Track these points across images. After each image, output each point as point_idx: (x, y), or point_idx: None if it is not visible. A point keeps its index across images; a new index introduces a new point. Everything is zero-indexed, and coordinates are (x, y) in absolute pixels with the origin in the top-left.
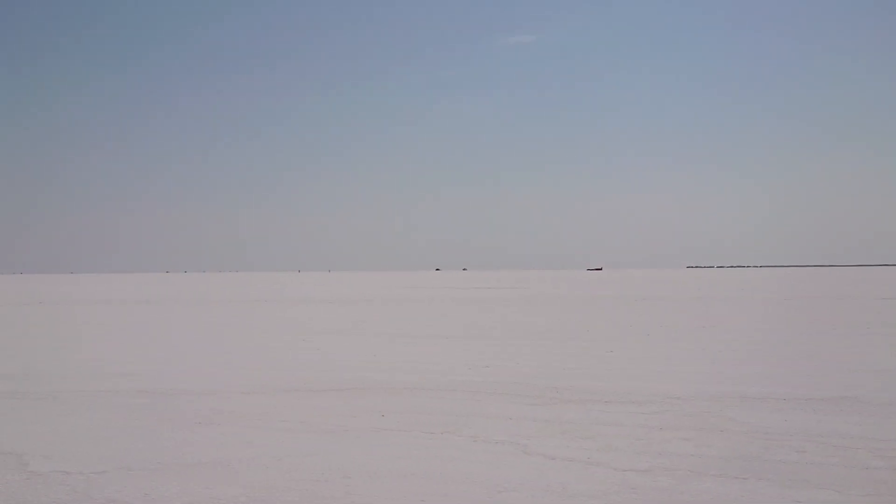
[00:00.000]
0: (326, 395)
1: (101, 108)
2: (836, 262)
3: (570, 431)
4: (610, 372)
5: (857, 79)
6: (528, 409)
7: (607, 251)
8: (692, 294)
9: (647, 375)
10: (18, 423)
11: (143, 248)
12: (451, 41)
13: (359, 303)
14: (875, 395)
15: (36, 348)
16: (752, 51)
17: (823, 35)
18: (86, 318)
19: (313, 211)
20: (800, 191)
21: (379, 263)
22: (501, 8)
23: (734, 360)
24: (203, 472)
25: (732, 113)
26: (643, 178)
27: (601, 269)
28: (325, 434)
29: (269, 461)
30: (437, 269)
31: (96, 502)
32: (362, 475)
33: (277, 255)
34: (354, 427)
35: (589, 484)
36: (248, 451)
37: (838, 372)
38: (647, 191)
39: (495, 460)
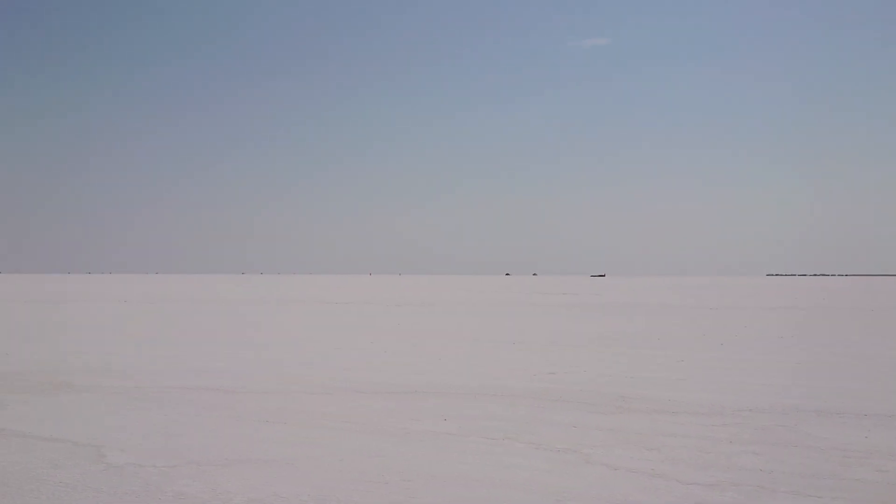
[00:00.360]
0: (391, 397)
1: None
2: None
3: (635, 442)
4: (680, 382)
5: None
6: (592, 418)
7: (686, 257)
8: (771, 303)
9: (718, 386)
10: (98, 415)
11: (232, 249)
12: (522, 44)
13: (434, 305)
14: None
15: (120, 343)
16: (844, 49)
17: None
18: (165, 316)
19: (384, 214)
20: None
21: (448, 267)
22: (572, 11)
23: (812, 373)
24: (267, 469)
25: (824, 115)
26: (724, 180)
27: (604, 276)
28: (387, 436)
29: (332, 461)
30: (507, 274)
31: (166, 496)
32: (422, 478)
33: (349, 258)
34: (416, 430)
35: (651, 496)
36: (311, 451)
37: None
38: (731, 194)
39: (556, 468)
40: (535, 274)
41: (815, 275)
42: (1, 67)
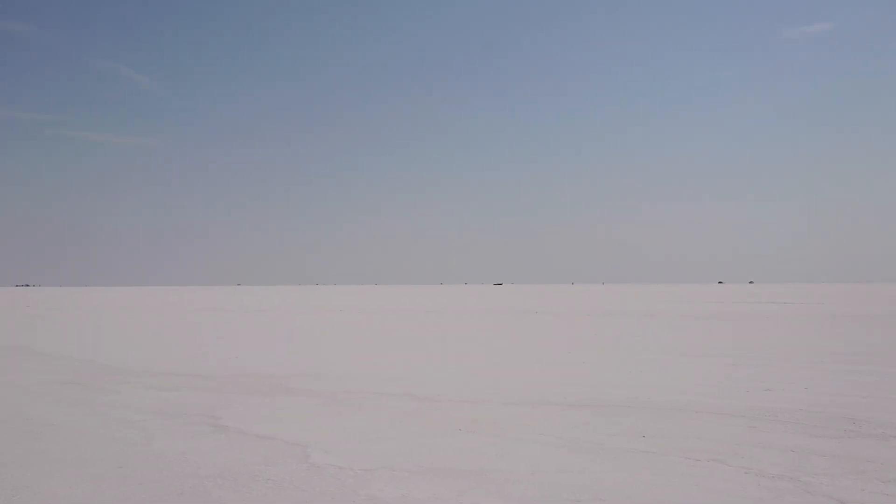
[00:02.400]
0: (586, 410)
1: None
2: None
3: (868, 472)
4: None
5: None
6: (814, 442)
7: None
8: None
9: None
10: (308, 418)
11: (387, 262)
12: (730, 34)
13: (605, 316)
14: None
15: (332, 350)
16: None
17: None
18: (371, 325)
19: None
20: None
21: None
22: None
23: None
24: (458, 478)
25: None
26: None
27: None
28: (580, 451)
29: (523, 474)
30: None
31: (360, 498)
32: (616, 499)
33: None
34: (612, 446)
35: None
36: (502, 462)
37: None
38: None
39: (769, 497)
40: (720, 282)
41: None
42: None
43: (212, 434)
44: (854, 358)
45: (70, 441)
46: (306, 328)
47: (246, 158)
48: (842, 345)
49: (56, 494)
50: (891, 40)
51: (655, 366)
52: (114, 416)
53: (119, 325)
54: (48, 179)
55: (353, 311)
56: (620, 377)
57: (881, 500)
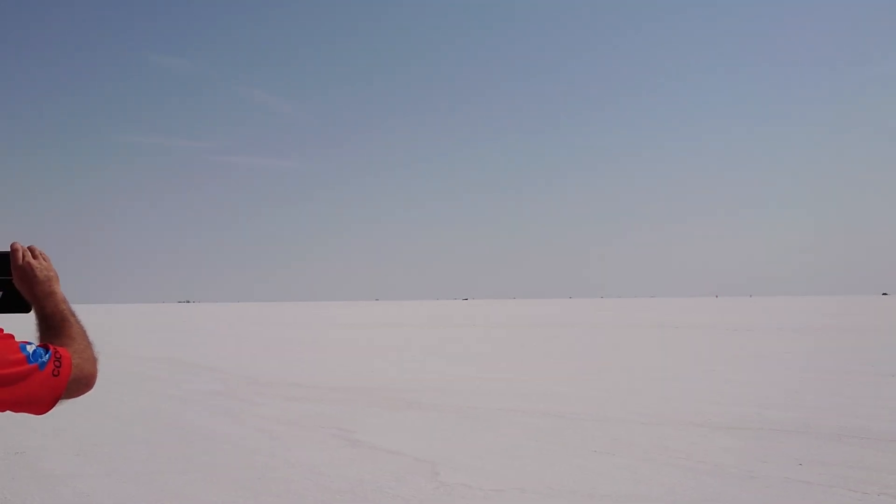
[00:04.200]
0: (734, 433)
1: None
2: None
3: None
4: None
5: None
6: None
7: None
8: None
9: None
10: (438, 433)
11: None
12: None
13: (747, 331)
14: None
15: (463, 364)
16: None
17: None
18: (497, 339)
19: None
20: None
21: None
22: None
23: None
24: None
25: None
26: None
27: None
28: (728, 477)
29: (662, 503)
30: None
31: None
32: None
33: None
34: (763, 474)
35: None
36: (642, 488)
37: None
38: None
39: None
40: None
41: None
42: None
43: (344, 448)
44: None
45: (216, 449)
46: (436, 343)
47: (379, 177)
48: None
49: (201, 501)
50: None
51: (810, 384)
52: (255, 427)
53: (264, 338)
54: (202, 203)
55: (488, 324)
56: (775, 397)
57: None
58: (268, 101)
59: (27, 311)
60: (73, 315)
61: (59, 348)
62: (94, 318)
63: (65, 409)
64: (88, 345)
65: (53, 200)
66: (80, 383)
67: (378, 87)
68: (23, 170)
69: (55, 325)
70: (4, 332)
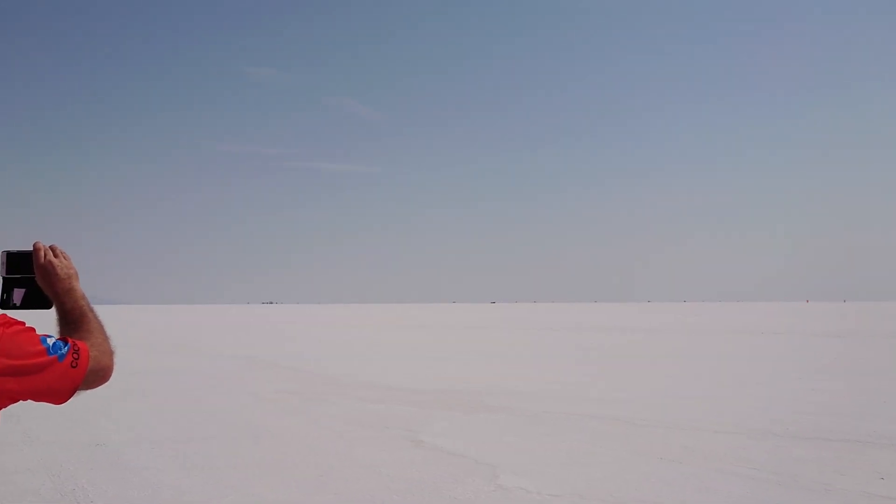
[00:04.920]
0: (811, 443)
1: None
2: None
3: None
4: None
5: None
6: None
7: None
8: None
9: None
10: (502, 436)
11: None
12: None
13: (828, 337)
14: None
15: (532, 367)
16: None
17: None
18: (563, 341)
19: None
20: None
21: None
22: None
23: None
24: None
25: None
26: None
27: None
28: (801, 490)
29: None
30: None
31: None
32: None
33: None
34: (840, 488)
35: None
36: (705, 498)
37: None
38: None
39: None
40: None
41: None
42: None
43: (408, 449)
44: None
45: (282, 447)
46: (508, 345)
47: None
48: None
49: (261, 498)
50: None
51: (890, 390)
52: (323, 425)
53: (343, 339)
54: (288, 207)
55: (558, 327)
56: (859, 407)
57: None
58: (358, 110)
59: (48, 307)
60: (92, 311)
61: (77, 341)
62: (185, 318)
63: (144, 404)
64: (105, 339)
65: (161, 207)
66: (98, 375)
67: (451, 87)
68: (132, 178)
69: (74, 320)
70: (26, 325)
